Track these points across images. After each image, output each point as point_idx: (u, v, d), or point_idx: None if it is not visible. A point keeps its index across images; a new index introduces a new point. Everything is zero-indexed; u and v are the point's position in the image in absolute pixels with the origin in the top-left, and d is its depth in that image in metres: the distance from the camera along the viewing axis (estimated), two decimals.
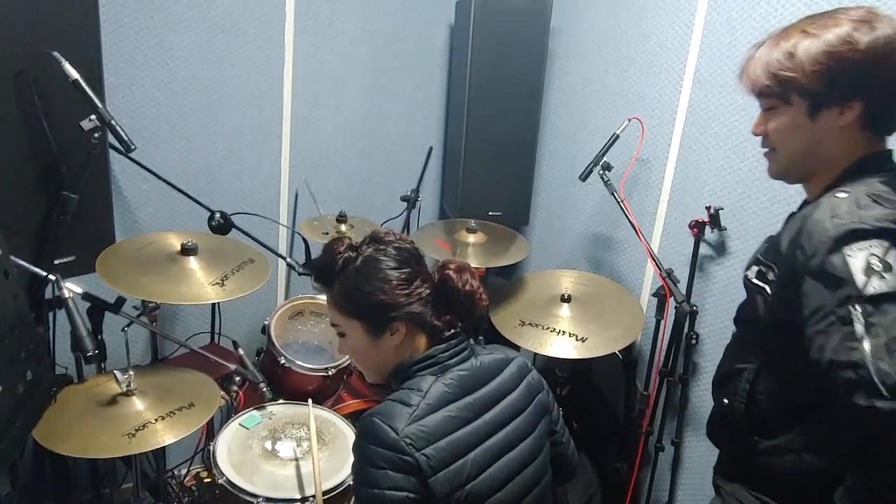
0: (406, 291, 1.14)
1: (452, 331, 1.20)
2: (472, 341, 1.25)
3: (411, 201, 2.61)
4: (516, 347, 2.21)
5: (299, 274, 2.08)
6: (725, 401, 1.18)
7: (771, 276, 1.08)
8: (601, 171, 2.22)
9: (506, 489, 1.14)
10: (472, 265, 2.23)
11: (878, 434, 0.90)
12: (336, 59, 2.53)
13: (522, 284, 2.32)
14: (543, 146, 2.81)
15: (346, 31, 2.53)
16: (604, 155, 2.22)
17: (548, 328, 2.06)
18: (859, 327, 0.87)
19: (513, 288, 2.31)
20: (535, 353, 2.59)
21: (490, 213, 2.61)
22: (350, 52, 2.56)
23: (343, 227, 2.25)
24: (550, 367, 2.42)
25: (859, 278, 0.89)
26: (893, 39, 0.97)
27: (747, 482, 1.19)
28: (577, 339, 2.01)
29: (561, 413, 1.37)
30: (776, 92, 1.05)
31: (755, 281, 1.12)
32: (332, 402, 2.01)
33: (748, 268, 1.17)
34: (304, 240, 2.15)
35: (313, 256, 2.12)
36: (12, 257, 1.32)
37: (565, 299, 2.15)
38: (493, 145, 2.60)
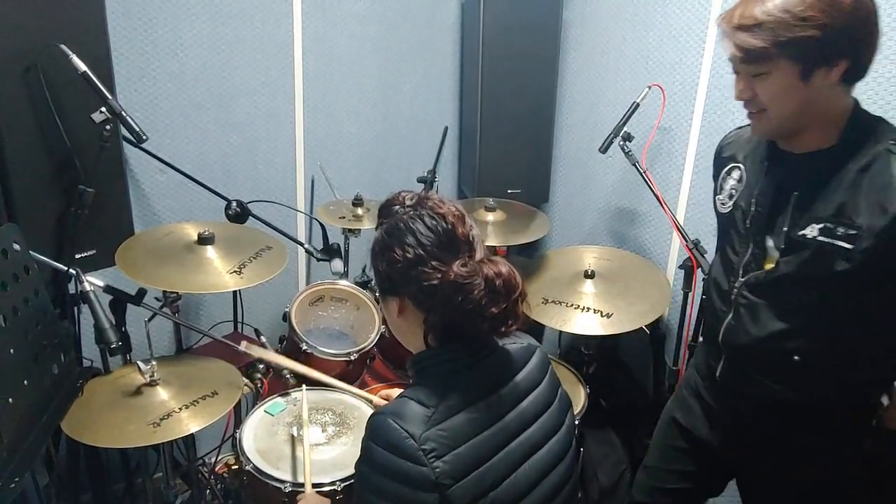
0: (406, 272, 0.99)
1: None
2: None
3: (428, 182, 2.57)
4: (541, 326, 2.18)
5: (318, 260, 2.07)
6: (797, 358, 1.19)
7: (842, 231, 1.09)
8: (622, 142, 2.16)
9: (533, 493, 1.02)
10: (492, 244, 2.21)
11: None
12: (346, 41, 2.49)
13: (544, 262, 2.28)
14: (561, 120, 2.74)
15: (355, 12, 2.48)
16: (624, 125, 2.15)
17: (572, 305, 2.02)
18: None
19: (535, 266, 2.27)
20: (561, 332, 2.56)
21: (509, 192, 2.57)
22: (360, 34, 2.52)
23: (359, 211, 2.23)
24: (576, 346, 2.39)
25: None
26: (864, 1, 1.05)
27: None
28: (602, 315, 1.97)
29: None
30: (770, 55, 1.07)
31: (822, 238, 1.11)
32: (356, 388, 2.00)
33: (798, 227, 1.15)
34: (321, 225, 2.14)
35: (331, 241, 2.11)
36: (32, 252, 1.34)
37: (589, 275, 2.11)
38: (508, 122, 2.55)
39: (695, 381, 1.48)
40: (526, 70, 2.50)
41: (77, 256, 1.61)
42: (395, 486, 0.92)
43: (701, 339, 1.59)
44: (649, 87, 2.14)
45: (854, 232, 1.07)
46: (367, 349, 1.94)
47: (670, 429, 1.55)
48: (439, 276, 0.97)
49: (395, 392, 1.47)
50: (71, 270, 1.44)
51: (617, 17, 2.46)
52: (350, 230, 2.23)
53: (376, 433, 0.95)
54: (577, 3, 2.61)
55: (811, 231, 1.12)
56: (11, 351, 1.17)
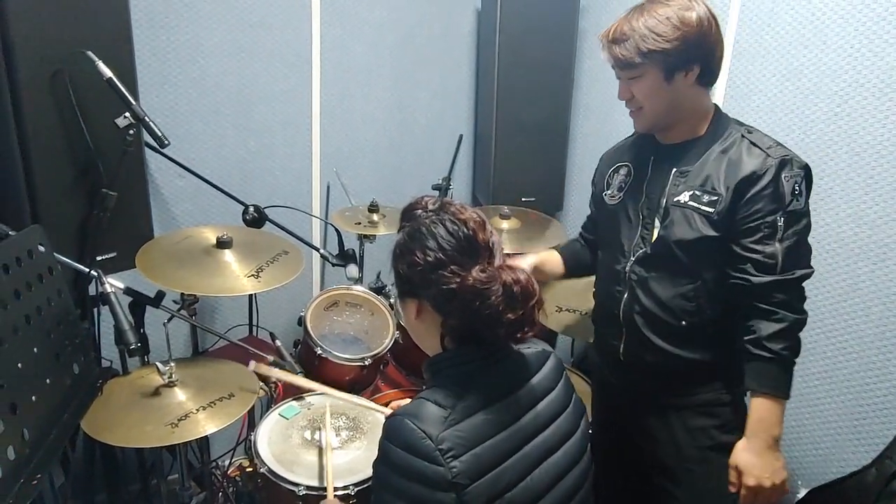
0: (425, 275, 1.00)
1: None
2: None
3: (443, 190, 2.59)
4: (554, 334, 2.18)
5: (333, 265, 2.09)
6: (684, 322, 1.38)
7: (707, 198, 1.32)
8: None
9: (548, 496, 1.03)
10: (506, 252, 2.21)
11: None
12: (363, 49, 2.52)
13: None
14: (576, 129, 2.75)
15: (372, 20, 2.51)
16: None
17: (586, 314, 2.01)
18: (779, 232, 1.27)
19: None
20: (574, 340, 2.56)
21: (523, 199, 2.57)
22: (377, 42, 2.55)
23: (375, 217, 2.25)
24: (589, 355, 2.37)
25: (787, 199, 1.27)
26: (709, 16, 1.30)
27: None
28: None
29: None
30: (637, 63, 1.30)
31: (691, 203, 1.34)
32: (369, 393, 2.01)
33: (674, 196, 1.37)
34: (336, 230, 2.15)
35: (346, 247, 2.13)
36: (56, 254, 1.36)
37: None
38: (524, 130, 2.56)
39: (596, 375, 1.70)
40: (541, 78, 2.51)
41: (98, 258, 1.63)
42: (411, 485, 0.93)
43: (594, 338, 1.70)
44: None
45: (715, 198, 1.32)
46: (381, 354, 1.95)
47: (599, 427, 1.69)
48: (458, 280, 0.99)
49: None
50: (93, 272, 1.47)
51: None
52: (365, 236, 2.24)
53: (393, 433, 0.96)
54: (593, 13, 2.62)
55: (683, 197, 1.36)
56: (35, 350, 1.19)
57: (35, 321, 1.20)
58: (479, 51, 2.79)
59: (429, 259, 1.00)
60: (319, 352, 1.85)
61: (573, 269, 1.71)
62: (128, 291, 1.57)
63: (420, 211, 1.07)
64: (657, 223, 1.40)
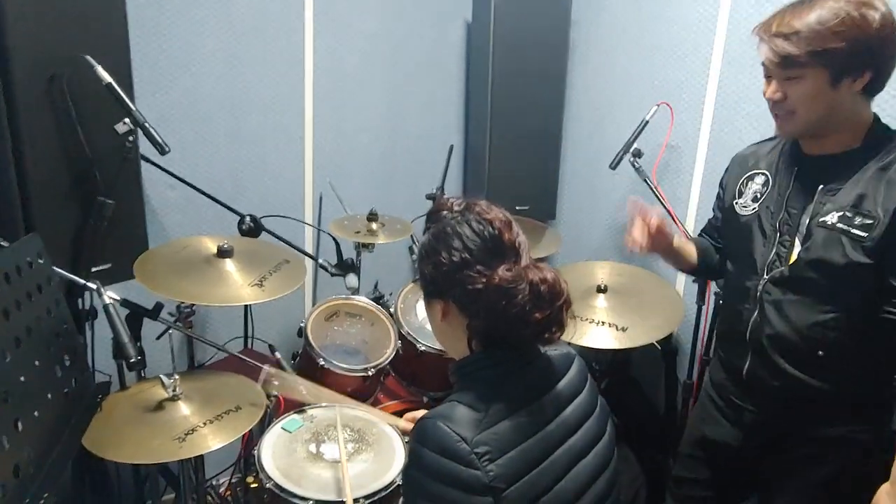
0: (451, 276, 0.99)
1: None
2: None
3: (437, 199, 2.58)
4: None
5: (332, 275, 2.05)
6: (820, 353, 1.25)
7: (859, 220, 1.18)
8: (632, 159, 2.19)
9: (580, 502, 1.02)
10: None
11: None
12: (355, 58, 2.51)
13: None
14: (568, 138, 2.78)
15: (365, 31, 2.51)
16: (634, 142, 2.18)
17: (587, 319, 2.02)
18: None
19: None
20: (569, 343, 2.55)
21: (517, 208, 2.58)
22: (369, 52, 2.55)
23: (374, 226, 2.22)
24: (587, 361, 2.38)
25: None
26: (891, 17, 1.15)
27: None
28: (617, 329, 1.97)
29: None
30: (804, 62, 1.16)
31: (840, 225, 1.20)
32: (369, 404, 1.97)
33: (820, 216, 1.23)
34: (335, 240, 2.12)
35: (345, 258, 2.10)
36: (54, 268, 1.31)
37: (601, 290, 2.11)
38: (517, 139, 2.58)
39: (716, 392, 1.52)
40: (534, 88, 2.53)
41: (93, 270, 1.57)
42: (447, 490, 0.91)
43: (715, 350, 1.61)
44: (658, 105, 2.18)
45: (870, 222, 1.16)
46: (382, 366, 1.92)
47: (696, 442, 1.59)
48: (484, 280, 0.98)
49: (420, 413, 1.45)
50: (90, 284, 1.41)
51: (622, 38, 2.52)
52: (364, 245, 2.22)
53: (426, 437, 0.94)
54: (584, 25, 2.66)
55: (831, 218, 1.21)
56: (36, 363, 1.13)
57: (35, 332, 1.14)
58: (469, 62, 2.81)
59: (454, 259, 0.99)
60: (322, 363, 1.81)
61: (703, 266, 1.61)
62: (125, 303, 1.51)
63: (445, 212, 1.06)
64: (798, 243, 1.26)
